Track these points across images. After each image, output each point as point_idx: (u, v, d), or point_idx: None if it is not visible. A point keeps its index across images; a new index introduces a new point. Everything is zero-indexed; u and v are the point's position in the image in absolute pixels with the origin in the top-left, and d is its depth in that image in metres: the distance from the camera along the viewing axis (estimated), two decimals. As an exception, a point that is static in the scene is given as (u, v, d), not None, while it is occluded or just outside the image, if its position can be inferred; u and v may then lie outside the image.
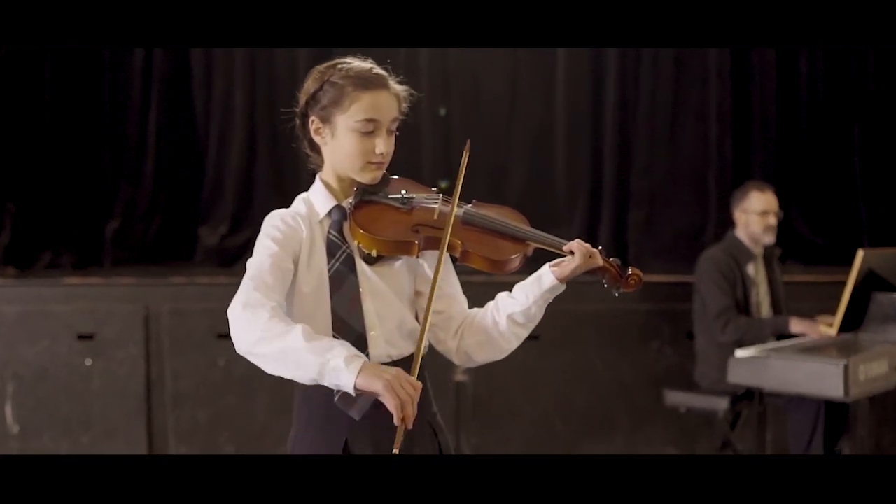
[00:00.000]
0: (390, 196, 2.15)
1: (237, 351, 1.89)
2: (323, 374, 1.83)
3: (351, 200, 2.12)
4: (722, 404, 4.30)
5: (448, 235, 2.04)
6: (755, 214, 4.39)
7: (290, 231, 2.07)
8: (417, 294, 2.19)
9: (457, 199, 2.12)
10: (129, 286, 4.92)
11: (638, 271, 2.17)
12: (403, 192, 2.16)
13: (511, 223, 2.17)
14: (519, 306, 2.13)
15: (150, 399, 4.84)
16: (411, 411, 1.81)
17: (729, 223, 5.35)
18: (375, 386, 1.80)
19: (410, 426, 1.82)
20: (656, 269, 5.35)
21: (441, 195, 2.20)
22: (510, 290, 2.17)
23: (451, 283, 2.20)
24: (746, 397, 4.28)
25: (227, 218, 5.58)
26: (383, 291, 2.09)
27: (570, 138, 5.63)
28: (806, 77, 5.78)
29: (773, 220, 4.40)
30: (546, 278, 2.11)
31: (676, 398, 4.48)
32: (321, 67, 2.13)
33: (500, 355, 2.18)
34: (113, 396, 4.83)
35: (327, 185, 2.15)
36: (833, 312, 4.20)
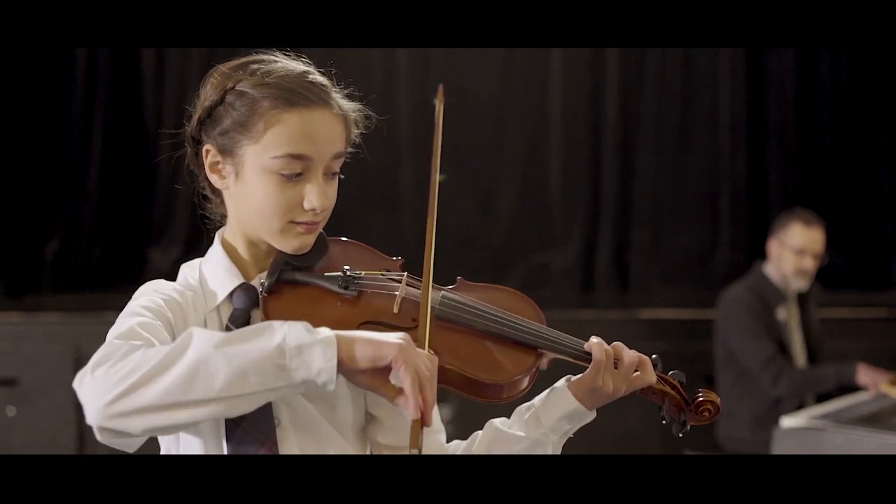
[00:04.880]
0: (326, 274, 1.45)
1: (89, 420, 1.23)
2: (284, 364, 1.20)
3: (264, 280, 1.42)
4: None
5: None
6: (790, 251, 3.75)
7: (176, 309, 1.41)
8: (371, 421, 1.50)
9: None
10: (56, 324, 4.54)
11: (714, 396, 1.49)
12: (346, 267, 1.45)
13: (516, 320, 1.46)
14: (522, 443, 1.46)
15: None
16: (432, 396, 1.25)
17: (743, 245, 4.97)
18: (384, 353, 1.24)
19: (431, 422, 1.25)
20: (662, 295, 5.16)
21: (406, 273, 1.50)
22: (507, 414, 1.52)
23: None
24: None
25: (181, 239, 5.24)
26: (314, 425, 1.41)
27: (566, 148, 5.42)
28: (828, 81, 5.61)
29: (809, 264, 3.76)
30: (564, 399, 1.45)
31: None
32: (225, 67, 1.43)
33: None
34: (40, 451, 4.37)
35: (230, 252, 1.47)
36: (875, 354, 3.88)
